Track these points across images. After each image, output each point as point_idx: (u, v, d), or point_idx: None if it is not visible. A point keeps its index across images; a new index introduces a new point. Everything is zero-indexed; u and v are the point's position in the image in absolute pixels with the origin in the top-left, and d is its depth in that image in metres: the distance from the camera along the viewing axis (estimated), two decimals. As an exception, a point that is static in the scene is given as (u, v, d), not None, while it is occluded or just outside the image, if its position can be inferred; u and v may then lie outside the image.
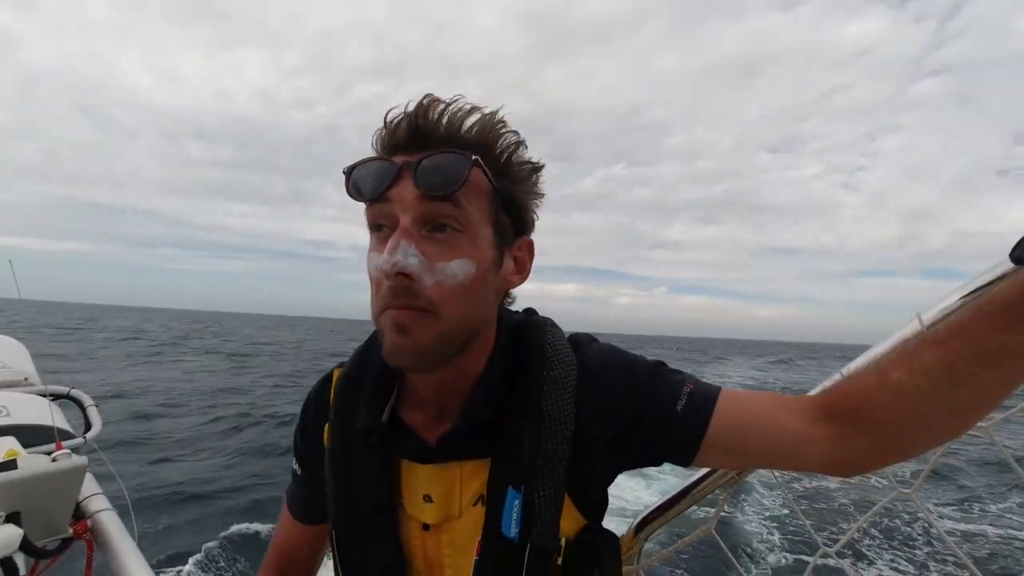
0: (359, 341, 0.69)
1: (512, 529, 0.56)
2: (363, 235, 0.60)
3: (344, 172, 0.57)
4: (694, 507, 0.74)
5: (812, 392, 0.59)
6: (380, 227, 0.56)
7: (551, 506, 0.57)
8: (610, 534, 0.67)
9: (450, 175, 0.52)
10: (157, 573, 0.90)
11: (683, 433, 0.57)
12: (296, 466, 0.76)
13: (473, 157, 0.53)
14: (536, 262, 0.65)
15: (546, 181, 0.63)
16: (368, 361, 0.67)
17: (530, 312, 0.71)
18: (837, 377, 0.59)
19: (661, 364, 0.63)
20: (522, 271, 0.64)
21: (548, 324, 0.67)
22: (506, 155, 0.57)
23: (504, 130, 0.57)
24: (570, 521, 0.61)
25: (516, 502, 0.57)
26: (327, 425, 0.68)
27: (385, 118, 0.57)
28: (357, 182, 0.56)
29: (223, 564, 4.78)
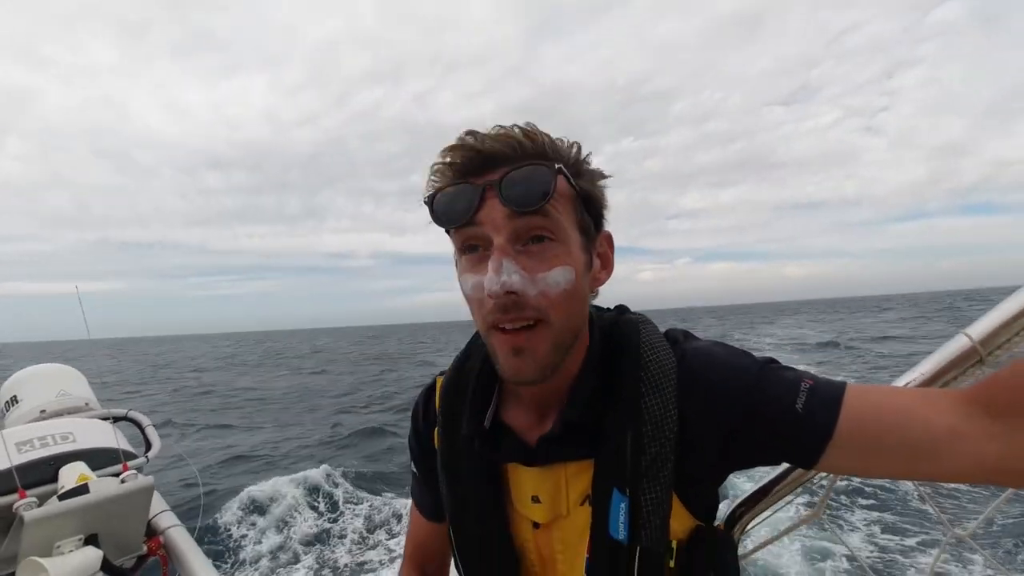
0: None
1: (621, 532, 0.56)
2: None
3: (424, 202, 0.58)
4: (794, 492, 0.69)
5: (964, 384, 0.51)
6: (474, 247, 0.57)
7: (659, 509, 0.56)
8: (725, 533, 0.65)
9: (537, 188, 0.53)
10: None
11: (806, 434, 0.52)
12: (414, 469, 0.80)
13: (557, 165, 0.54)
14: None
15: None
16: (467, 369, 0.70)
17: (622, 309, 0.70)
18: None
19: (772, 360, 0.58)
20: (607, 266, 0.64)
21: (641, 321, 0.65)
22: (576, 157, 0.58)
23: (552, 136, 0.57)
24: (681, 522, 0.59)
25: (622, 505, 0.56)
26: (436, 430, 0.72)
27: (449, 147, 0.56)
28: (441, 210, 0.57)
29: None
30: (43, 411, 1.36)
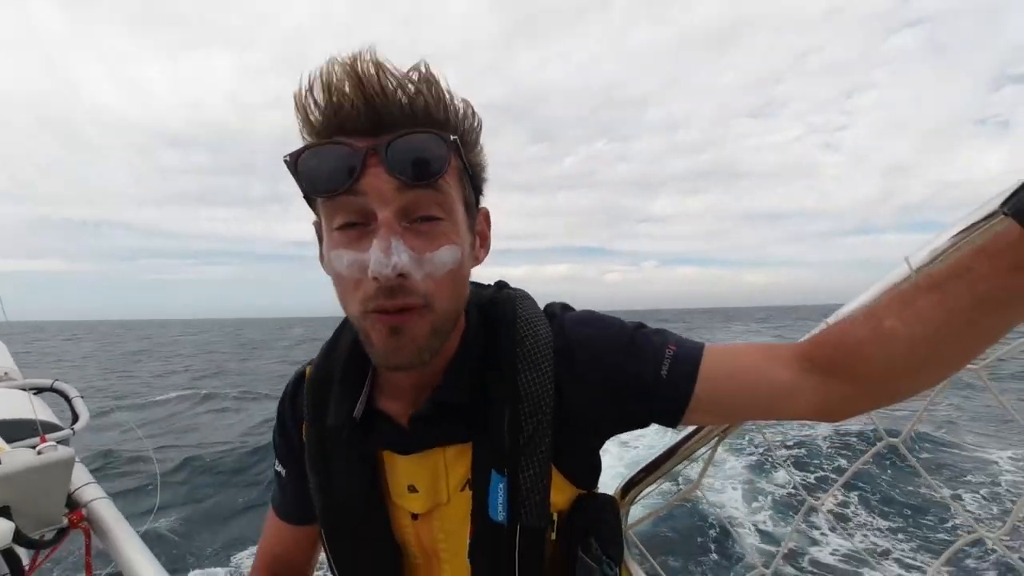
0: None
1: (500, 513, 0.55)
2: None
3: (286, 160, 0.48)
4: (681, 464, 0.73)
5: (800, 340, 0.57)
6: (350, 224, 0.49)
7: (537, 485, 0.55)
8: (605, 496, 0.66)
9: (433, 160, 0.46)
10: (157, 555, 0.90)
11: (669, 397, 0.55)
12: (279, 467, 0.73)
13: (452, 138, 0.47)
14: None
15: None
16: (335, 356, 0.64)
17: (500, 285, 0.67)
18: (823, 325, 0.56)
19: (641, 326, 0.60)
20: (484, 244, 0.60)
21: (519, 296, 0.63)
22: (463, 121, 0.51)
23: (447, 90, 0.49)
24: (561, 494, 0.60)
25: (500, 485, 0.55)
26: (303, 424, 0.66)
27: (308, 88, 0.47)
28: (312, 173, 0.48)
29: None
30: (-44, 381, 1.29)
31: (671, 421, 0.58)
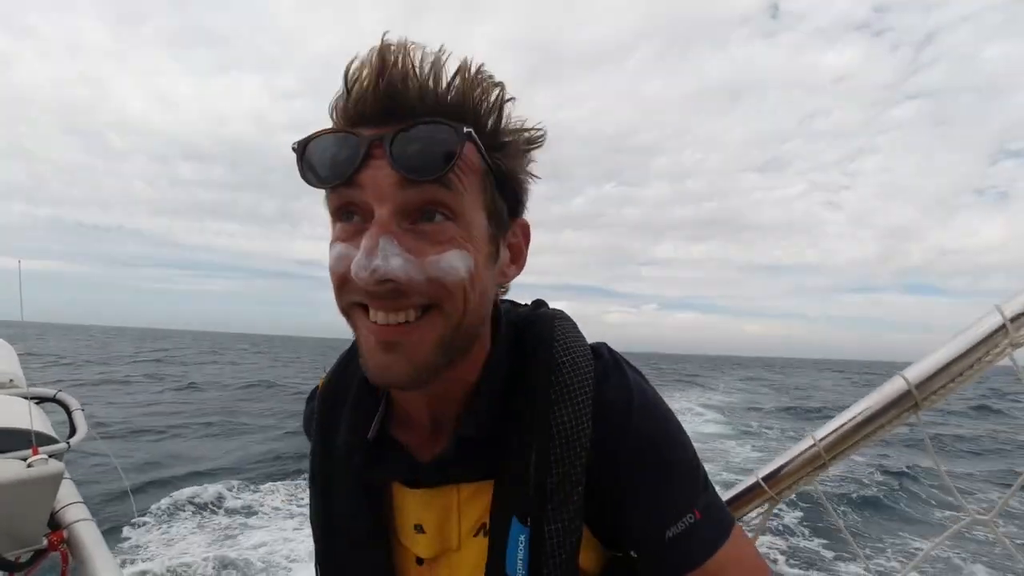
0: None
1: (519, 571, 0.48)
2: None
3: (294, 148, 0.45)
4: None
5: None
6: (349, 214, 0.45)
7: (564, 542, 0.48)
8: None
9: (439, 152, 0.41)
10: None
11: (656, 559, 0.50)
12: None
13: (466, 129, 0.42)
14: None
15: (540, 151, 0.50)
16: (351, 371, 0.59)
17: (538, 304, 0.60)
18: None
19: (687, 447, 0.52)
20: (518, 260, 0.54)
21: (559, 316, 0.55)
22: (498, 121, 0.46)
23: (489, 84, 0.45)
24: (592, 555, 0.52)
25: (522, 537, 0.48)
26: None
27: (346, 76, 0.44)
28: (313, 163, 0.44)
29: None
30: (-39, 384, 1.28)
31: None
